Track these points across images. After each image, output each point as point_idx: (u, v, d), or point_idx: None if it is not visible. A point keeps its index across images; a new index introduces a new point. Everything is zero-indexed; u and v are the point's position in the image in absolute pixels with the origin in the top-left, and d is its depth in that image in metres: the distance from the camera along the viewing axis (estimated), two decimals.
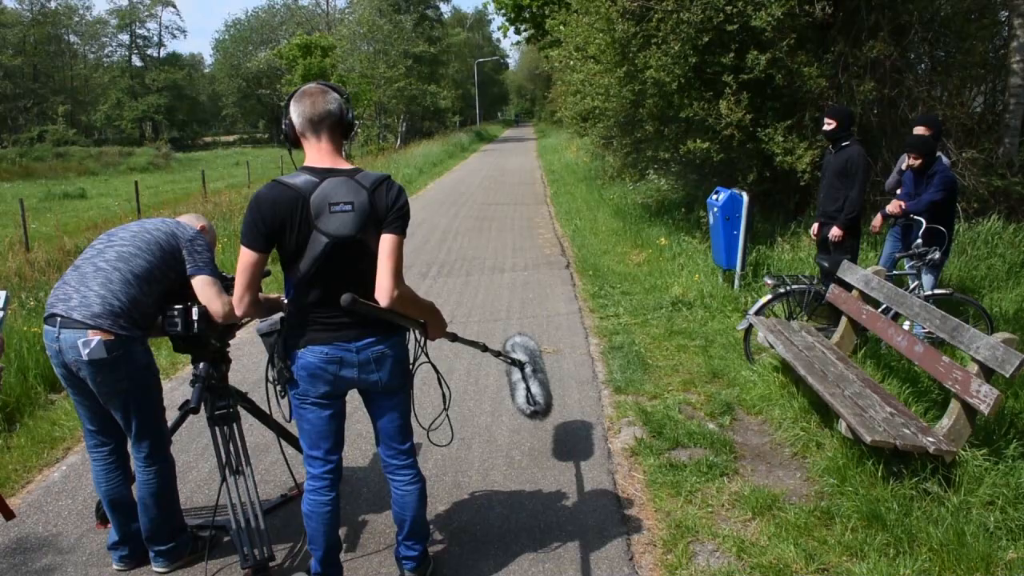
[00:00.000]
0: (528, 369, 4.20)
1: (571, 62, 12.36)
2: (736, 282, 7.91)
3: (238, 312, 2.92)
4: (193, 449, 4.85)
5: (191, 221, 3.64)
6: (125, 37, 74.77)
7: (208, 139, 77.98)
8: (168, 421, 3.62)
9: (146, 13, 74.48)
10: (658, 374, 6.02)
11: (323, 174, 2.86)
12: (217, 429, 3.57)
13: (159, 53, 75.87)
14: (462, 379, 5.99)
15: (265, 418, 4.02)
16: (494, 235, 13.29)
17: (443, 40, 56.89)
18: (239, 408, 3.73)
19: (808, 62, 8.66)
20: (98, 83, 72.28)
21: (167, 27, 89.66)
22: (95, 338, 3.11)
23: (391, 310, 2.86)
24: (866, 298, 5.42)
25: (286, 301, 3.05)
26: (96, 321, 3.13)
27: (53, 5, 70.87)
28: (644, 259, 10.06)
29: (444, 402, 3.48)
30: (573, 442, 4.86)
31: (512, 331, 7.32)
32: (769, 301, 6.03)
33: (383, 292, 2.83)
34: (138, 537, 3.52)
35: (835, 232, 6.45)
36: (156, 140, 63.43)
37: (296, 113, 2.93)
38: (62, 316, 3.17)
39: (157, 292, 3.33)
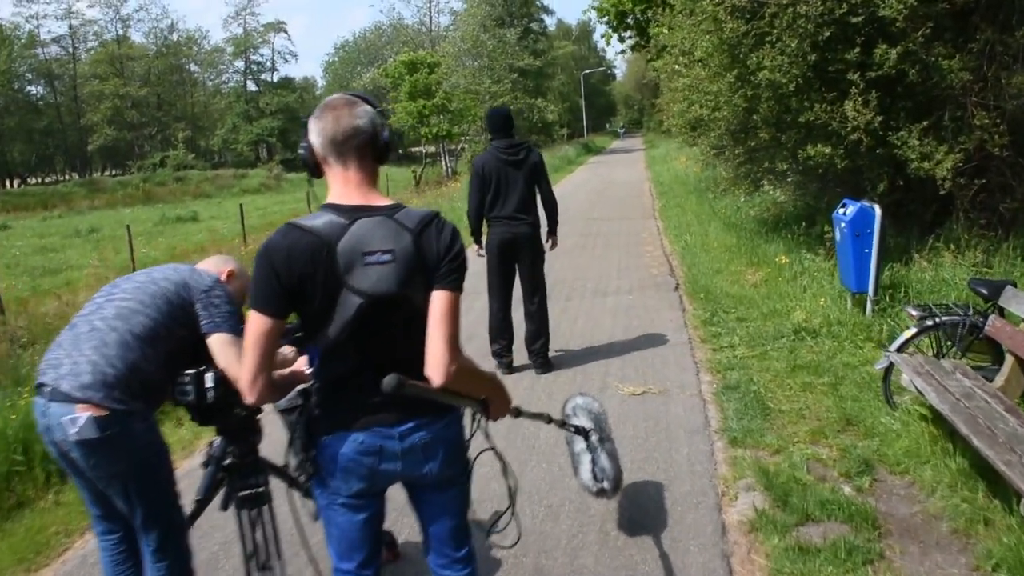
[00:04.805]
0: (594, 438, 3.52)
1: (676, 67, 11.54)
2: (868, 307, 6.95)
3: (250, 399, 2.27)
4: (221, 536, 4.21)
5: (212, 266, 3.10)
6: (240, 64, 77.82)
7: None
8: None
9: (260, 40, 77.16)
10: (781, 421, 5.19)
11: (352, 213, 2.25)
12: (244, 513, 3.02)
13: (272, 77, 78.43)
14: (552, 432, 5.29)
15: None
16: (598, 253, 12.57)
17: (548, 53, 56.39)
18: (281, 487, 3.17)
19: (947, 54, 7.62)
20: (216, 108, 75.53)
21: (279, 52, 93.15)
22: (83, 415, 2.60)
23: (446, 389, 2.23)
24: None
25: (309, 372, 2.46)
26: (85, 394, 2.62)
27: (175, 37, 74.48)
28: (761, 279, 9.15)
29: (509, 497, 2.74)
30: (680, 512, 4.11)
31: (613, 366, 6.65)
32: (914, 336, 5.11)
33: (437, 367, 2.20)
34: None
35: None
36: (268, 162, 65.47)
37: (316, 132, 2.32)
38: (51, 386, 2.68)
39: (162, 354, 2.79)
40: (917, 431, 4.66)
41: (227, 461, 3.06)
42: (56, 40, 69.77)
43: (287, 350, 2.98)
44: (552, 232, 6.82)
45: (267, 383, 2.27)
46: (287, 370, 2.72)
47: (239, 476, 3.02)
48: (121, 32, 72.14)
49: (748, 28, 8.31)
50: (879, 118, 7.78)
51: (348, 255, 2.21)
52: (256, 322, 2.23)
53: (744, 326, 7.43)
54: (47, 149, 69.61)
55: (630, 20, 23.36)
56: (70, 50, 70.60)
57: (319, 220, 2.25)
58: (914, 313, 5.17)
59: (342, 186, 2.32)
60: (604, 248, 13.04)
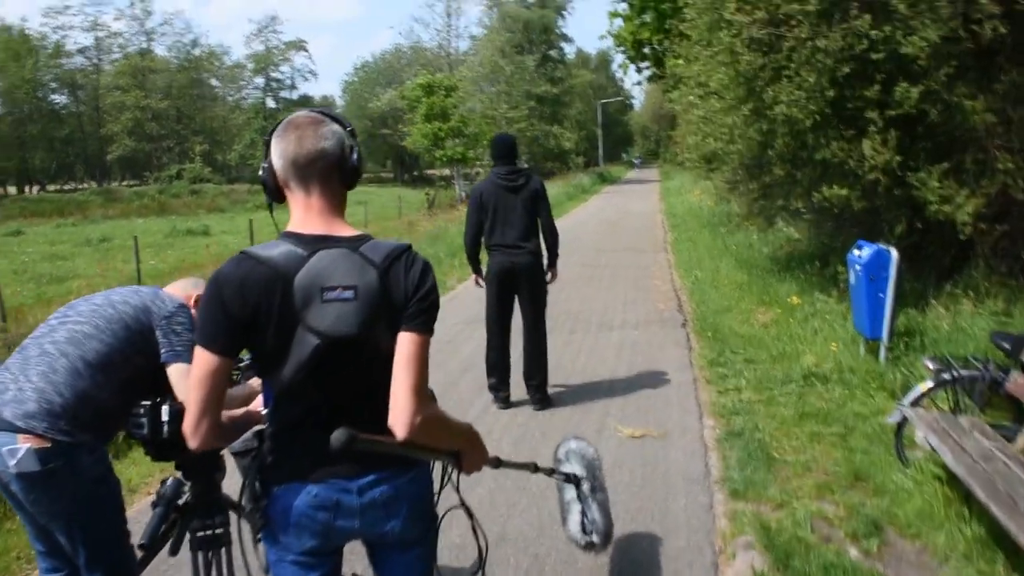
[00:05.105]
0: (585, 487, 3.29)
1: (691, 98, 11.35)
2: (882, 354, 6.67)
3: (192, 444, 2.04)
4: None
5: (179, 290, 2.89)
6: (260, 80, 78.27)
7: None
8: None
9: (280, 57, 77.55)
10: (785, 473, 4.91)
11: (313, 244, 2.04)
12: (200, 555, 2.79)
13: (291, 95, 78.66)
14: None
15: None
16: (605, 285, 12.33)
17: (566, 81, 56.42)
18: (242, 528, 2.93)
19: (970, 94, 7.37)
20: (234, 124, 75.70)
21: (299, 71, 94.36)
22: (24, 446, 2.40)
23: (410, 443, 1.99)
24: None
25: (264, 412, 2.24)
26: (28, 423, 2.42)
27: (197, 52, 75.08)
28: (771, 319, 8.87)
29: (480, 556, 2.48)
30: (674, 569, 3.84)
31: (613, 405, 6.39)
32: (930, 389, 4.83)
33: (400, 419, 1.97)
34: None
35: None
36: None
37: (277, 153, 2.10)
38: None
39: (116, 383, 2.59)
40: (930, 492, 4.38)
41: (182, 500, 2.84)
42: (81, 51, 70.41)
43: (255, 382, 2.77)
44: (552, 264, 6.57)
45: (212, 427, 2.04)
46: (240, 410, 2.49)
47: (197, 515, 2.79)
48: (145, 45, 72.85)
49: (765, 61, 8.11)
50: (898, 158, 7.54)
51: (305, 290, 1.99)
52: (201, 360, 2.02)
53: (752, 368, 7.15)
54: (67, 157, 70.18)
55: (647, 50, 23.28)
56: (94, 61, 71.27)
57: (276, 250, 2.04)
58: (931, 366, 4.90)
59: (303, 213, 2.11)
60: (612, 280, 12.80)
